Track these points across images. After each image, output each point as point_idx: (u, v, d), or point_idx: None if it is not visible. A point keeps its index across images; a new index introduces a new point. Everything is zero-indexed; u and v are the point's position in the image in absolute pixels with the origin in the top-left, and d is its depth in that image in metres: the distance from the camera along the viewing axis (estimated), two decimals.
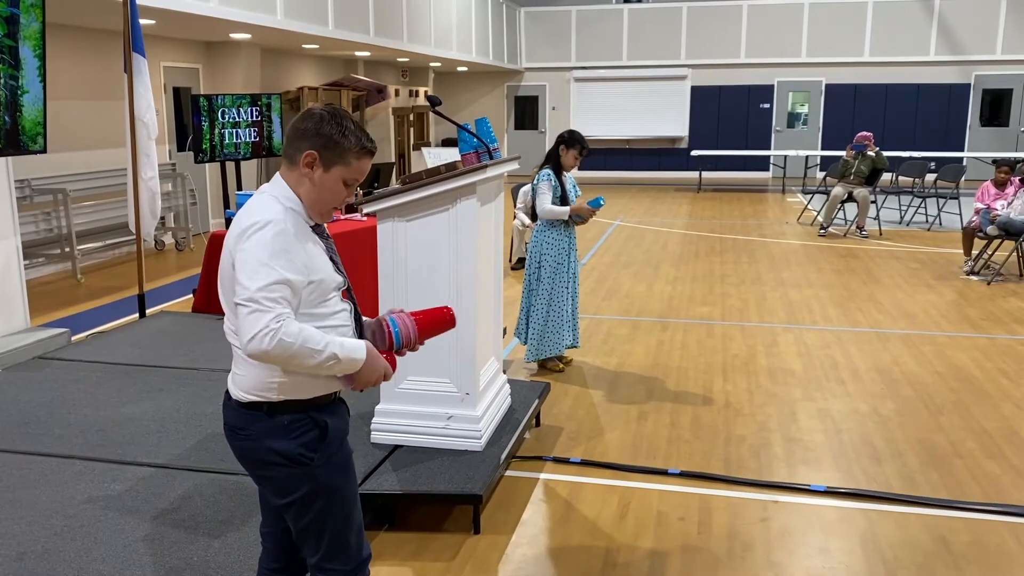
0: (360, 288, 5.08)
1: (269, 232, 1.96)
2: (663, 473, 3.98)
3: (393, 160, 15.06)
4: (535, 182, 5.26)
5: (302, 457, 2.09)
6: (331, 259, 2.14)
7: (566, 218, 5.21)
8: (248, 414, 2.10)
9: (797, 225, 12.02)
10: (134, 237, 6.33)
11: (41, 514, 3.13)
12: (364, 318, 2.25)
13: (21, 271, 5.77)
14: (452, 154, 10.17)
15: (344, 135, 2.04)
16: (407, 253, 3.62)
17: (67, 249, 8.31)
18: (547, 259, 5.23)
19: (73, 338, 5.79)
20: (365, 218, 6.50)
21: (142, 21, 8.37)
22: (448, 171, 3.51)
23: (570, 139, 5.27)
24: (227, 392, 2.16)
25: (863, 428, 4.55)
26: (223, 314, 2.13)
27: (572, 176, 5.39)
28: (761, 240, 10.74)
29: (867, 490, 3.79)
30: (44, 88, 5.00)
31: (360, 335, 2.20)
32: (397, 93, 16.67)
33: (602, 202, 5.21)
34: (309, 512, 2.13)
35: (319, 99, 12.68)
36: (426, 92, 18.00)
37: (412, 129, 16.85)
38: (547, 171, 5.23)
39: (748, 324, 6.69)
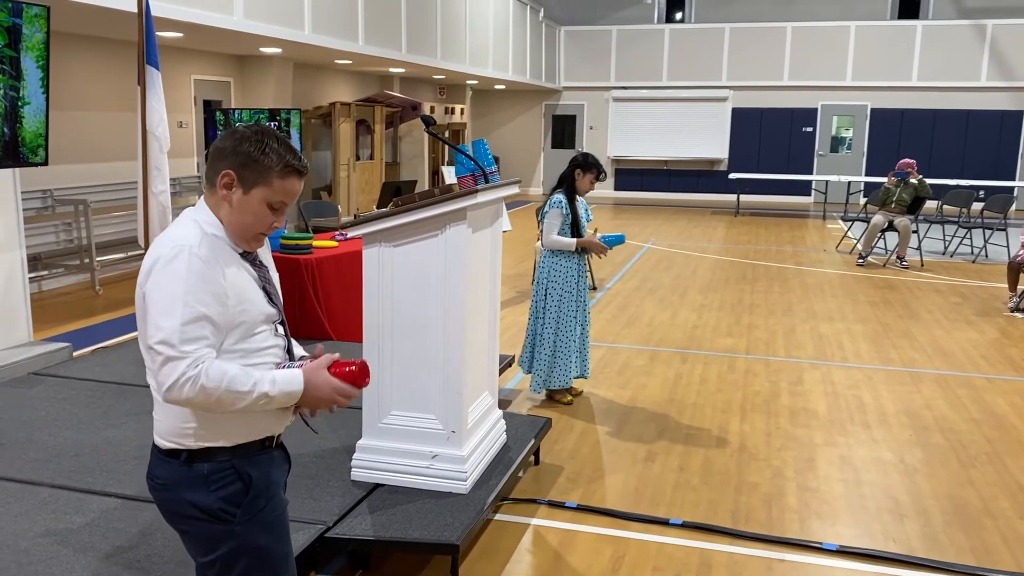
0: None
1: (182, 262, 1.77)
2: (664, 523, 3.70)
3: (415, 178, 14.95)
4: (546, 208, 5.02)
5: (222, 512, 1.89)
6: (263, 289, 1.94)
7: (573, 250, 4.98)
8: (166, 462, 1.91)
9: (835, 253, 11.62)
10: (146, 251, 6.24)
11: None
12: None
13: (26, 284, 5.69)
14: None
15: (264, 153, 1.85)
16: (393, 280, 3.43)
17: (87, 260, 8.28)
18: (553, 287, 5.00)
19: (76, 353, 5.69)
20: None
21: (169, 34, 8.38)
22: (442, 194, 3.32)
23: (586, 163, 5.03)
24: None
25: (886, 479, 4.23)
26: None
27: (584, 200, 5.15)
28: (796, 268, 10.38)
29: (883, 551, 3.47)
30: (47, 100, 4.91)
31: None
32: (432, 110, 16.58)
33: (623, 240, 4.97)
34: (230, 573, 1.93)
35: (351, 115, 12.63)
36: (461, 109, 17.93)
37: (447, 146, 16.76)
38: (559, 197, 4.99)
39: (774, 359, 6.38)
